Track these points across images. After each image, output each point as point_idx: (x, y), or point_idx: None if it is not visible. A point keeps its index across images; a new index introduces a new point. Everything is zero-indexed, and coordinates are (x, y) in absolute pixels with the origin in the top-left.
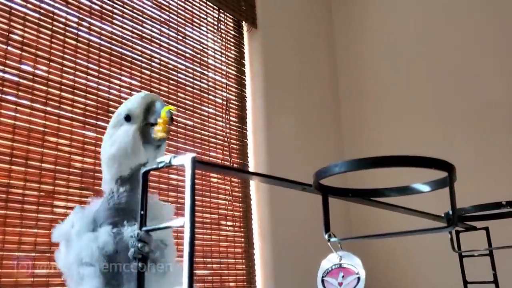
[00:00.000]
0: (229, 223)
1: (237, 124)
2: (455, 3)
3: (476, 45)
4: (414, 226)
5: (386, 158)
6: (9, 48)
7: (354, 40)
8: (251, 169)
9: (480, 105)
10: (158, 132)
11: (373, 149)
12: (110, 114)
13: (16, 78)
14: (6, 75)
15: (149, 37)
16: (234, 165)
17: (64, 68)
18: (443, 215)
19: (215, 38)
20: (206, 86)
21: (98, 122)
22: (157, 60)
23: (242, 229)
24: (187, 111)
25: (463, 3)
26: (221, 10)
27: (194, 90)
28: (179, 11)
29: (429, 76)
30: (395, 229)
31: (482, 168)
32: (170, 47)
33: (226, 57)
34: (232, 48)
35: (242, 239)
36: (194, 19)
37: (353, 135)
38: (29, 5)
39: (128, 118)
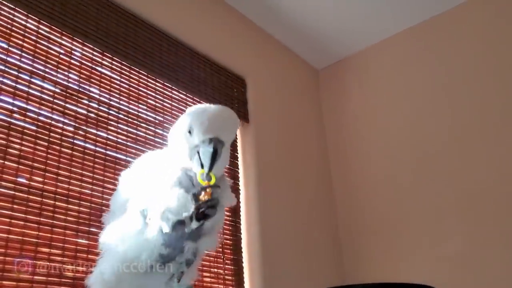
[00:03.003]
0: None
1: (230, 218)
2: (441, 94)
3: (465, 132)
4: None
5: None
6: (6, 162)
7: (344, 129)
8: (245, 264)
9: (471, 195)
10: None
11: (368, 239)
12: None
13: (11, 192)
14: (2, 189)
15: (143, 139)
16: (227, 261)
17: (59, 177)
18: None
19: None
20: None
21: (91, 229)
22: None
23: None
24: None
25: (449, 94)
26: None
27: None
28: (173, 111)
29: (421, 168)
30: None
31: (475, 260)
32: (165, 147)
33: None
34: None
35: None
36: None
37: (348, 225)
38: (27, 119)
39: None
